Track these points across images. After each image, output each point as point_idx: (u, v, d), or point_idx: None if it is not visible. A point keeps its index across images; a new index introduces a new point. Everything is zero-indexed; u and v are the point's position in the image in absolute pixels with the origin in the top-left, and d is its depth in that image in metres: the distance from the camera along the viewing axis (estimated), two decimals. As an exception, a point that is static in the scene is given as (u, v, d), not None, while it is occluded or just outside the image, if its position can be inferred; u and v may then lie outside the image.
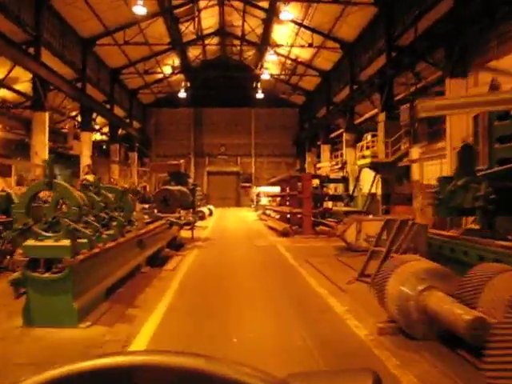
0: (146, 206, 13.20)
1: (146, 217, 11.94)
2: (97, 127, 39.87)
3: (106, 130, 38.76)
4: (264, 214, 24.88)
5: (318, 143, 40.31)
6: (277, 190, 36.47)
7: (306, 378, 0.73)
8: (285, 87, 43.58)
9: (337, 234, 12.12)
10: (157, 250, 9.97)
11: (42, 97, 21.74)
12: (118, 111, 37.83)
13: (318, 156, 39.72)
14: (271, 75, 37.78)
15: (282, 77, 41.85)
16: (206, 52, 43.00)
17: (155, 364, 0.67)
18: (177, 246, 12.88)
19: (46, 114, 22.07)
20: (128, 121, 41.07)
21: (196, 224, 19.95)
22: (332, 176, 26.47)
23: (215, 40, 41.73)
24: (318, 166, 34.95)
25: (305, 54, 35.13)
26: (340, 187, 28.99)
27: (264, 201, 31.93)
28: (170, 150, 47.52)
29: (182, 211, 16.33)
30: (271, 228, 18.76)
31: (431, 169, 19.66)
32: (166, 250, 11.37)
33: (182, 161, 15.68)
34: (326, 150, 36.11)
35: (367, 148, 23.92)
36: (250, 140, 48.32)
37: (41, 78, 21.57)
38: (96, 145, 41.38)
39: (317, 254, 11.36)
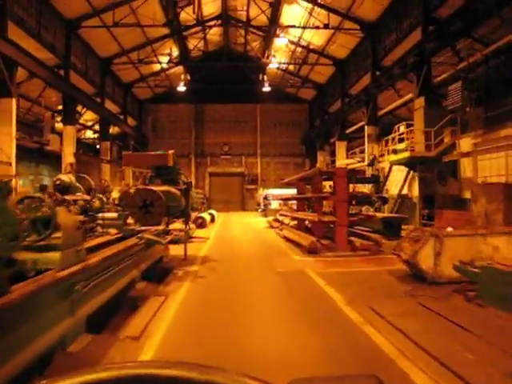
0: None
1: (112, 231, 7.79)
2: (88, 124, 35.96)
3: (98, 127, 34.75)
4: (276, 220, 20.61)
5: (332, 140, 36.08)
6: (289, 192, 32.26)
7: None
8: (293, 80, 39.34)
9: (403, 257, 7.83)
10: (116, 293, 5.73)
11: (7, 80, 17.62)
12: (111, 106, 33.73)
13: (332, 155, 35.48)
14: (279, 64, 33.56)
15: (291, 68, 37.64)
16: (208, 42, 38.83)
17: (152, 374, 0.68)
18: (160, 273, 8.66)
19: (13, 101, 17.94)
20: (122, 117, 36.98)
21: (193, 235, 15.74)
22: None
23: (217, 30, 37.59)
24: (338, 165, 30.60)
25: (317, 40, 30.93)
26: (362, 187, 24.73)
27: (274, 205, 27.68)
28: (168, 149, 43.09)
29: (175, 221, 12.16)
30: (289, 240, 14.51)
31: (488, 164, 15.36)
32: (139, 285, 7.13)
33: (170, 151, 10.96)
34: (341, 147, 31.87)
35: (400, 141, 19.64)
36: (256, 138, 44.12)
37: (6, 57, 17.43)
38: (87, 143, 37.45)
39: (377, 291, 7.10)
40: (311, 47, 32.14)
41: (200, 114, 44.03)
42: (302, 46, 32.52)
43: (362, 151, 29.28)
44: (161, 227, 9.28)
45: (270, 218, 21.60)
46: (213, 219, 24.56)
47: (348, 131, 32.40)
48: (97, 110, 29.70)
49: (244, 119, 44.21)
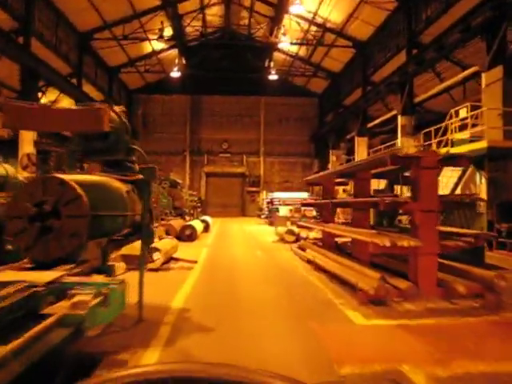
0: None
1: None
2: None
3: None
4: (291, 232, 15.22)
5: (348, 137, 30.82)
6: (297, 195, 26.94)
7: None
8: (304, 69, 34.06)
9: None
10: None
11: None
12: (92, 92, 28.43)
13: (349, 153, 30.19)
14: (291, 44, 28.18)
15: (302, 53, 32.37)
16: (206, 23, 33.55)
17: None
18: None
19: None
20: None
21: (175, 256, 10.42)
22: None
23: (218, 9, 32.37)
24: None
25: (336, 16, 25.69)
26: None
27: (283, 211, 22.28)
28: (160, 145, 38.02)
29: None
30: (320, 269, 9.16)
31: None
32: None
33: (104, 106, 5.10)
34: (362, 143, 26.58)
35: (460, 129, 14.37)
36: (259, 135, 38.82)
37: None
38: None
39: None
40: (328, 25, 26.91)
41: (197, 107, 38.71)
42: (317, 24, 27.30)
43: (389, 148, 24.02)
44: (76, 269, 3.92)
45: (281, 229, 16.26)
46: (207, 228, 19.22)
47: (370, 125, 27.15)
48: (70, 92, 24.35)
49: (246, 113, 38.93)
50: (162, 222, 15.65)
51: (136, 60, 32.48)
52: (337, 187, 20.81)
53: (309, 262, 10.40)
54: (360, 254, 8.96)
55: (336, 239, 11.23)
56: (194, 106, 38.60)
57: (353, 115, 27.81)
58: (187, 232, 15.08)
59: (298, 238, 14.90)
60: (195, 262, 10.13)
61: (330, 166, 33.13)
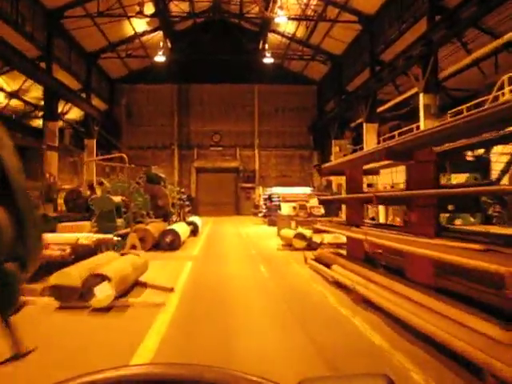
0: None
1: None
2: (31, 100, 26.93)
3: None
4: (301, 237, 11.78)
5: (353, 125, 27.49)
6: (300, 191, 23.61)
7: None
8: (302, 52, 30.59)
9: None
10: None
11: None
12: (67, 79, 24.87)
13: (356, 142, 26.88)
14: (288, 19, 24.67)
15: (300, 33, 28.91)
16: (194, 2, 29.95)
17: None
18: None
19: None
20: (84, 95, 28.09)
21: (144, 282, 6.99)
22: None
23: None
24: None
25: (340, -14, 22.31)
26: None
27: (286, 209, 18.79)
28: (146, 139, 34.52)
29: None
30: (368, 302, 5.81)
31: None
32: None
33: None
34: (370, 130, 23.21)
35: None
36: (253, 126, 35.33)
37: None
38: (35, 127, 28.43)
39: None
40: (331, -2, 23.51)
41: (185, 96, 35.14)
42: (318, -3, 23.89)
43: (403, 134, 20.72)
44: None
45: (286, 232, 12.84)
46: (195, 231, 15.80)
47: (380, 110, 23.80)
48: (36, 75, 20.77)
49: (239, 103, 35.40)
50: (137, 227, 12.23)
51: (117, 44, 28.84)
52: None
53: (339, 284, 7.02)
54: (418, 274, 5.68)
55: (366, 247, 7.90)
56: (181, 95, 35.04)
57: (359, 100, 24.39)
58: (168, 239, 11.65)
59: (309, 244, 11.54)
60: (171, 289, 6.70)
61: (332, 157, 29.78)
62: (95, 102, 30.58)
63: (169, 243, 11.53)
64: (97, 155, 29.21)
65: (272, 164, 35.39)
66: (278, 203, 22.85)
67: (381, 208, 20.30)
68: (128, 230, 11.05)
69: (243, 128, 35.18)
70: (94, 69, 29.44)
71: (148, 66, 34.11)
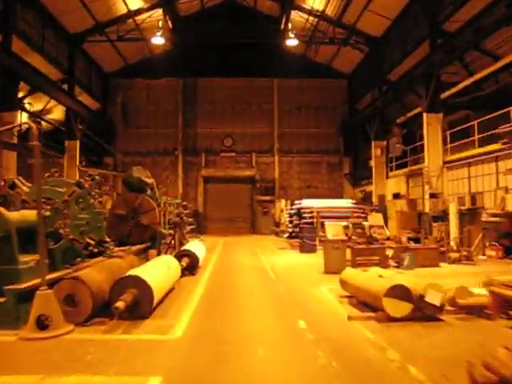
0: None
1: None
2: None
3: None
4: (403, 293, 5.55)
5: (400, 120, 21.32)
6: (341, 204, 17.52)
7: None
8: (332, 33, 24.54)
9: None
10: None
11: None
12: (39, 62, 19.28)
13: (408, 142, 20.66)
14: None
15: (330, 11, 22.92)
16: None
17: None
18: None
19: None
20: (66, 87, 22.42)
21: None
22: None
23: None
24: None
25: None
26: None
27: (332, 230, 12.38)
28: (145, 143, 28.72)
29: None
30: None
31: None
32: None
33: None
34: (433, 122, 17.03)
35: None
36: (272, 128, 29.25)
37: None
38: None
39: None
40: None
41: (191, 92, 29.24)
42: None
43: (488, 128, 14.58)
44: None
45: (358, 277, 6.66)
46: (194, 264, 9.63)
47: (445, 95, 17.59)
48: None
49: (255, 100, 29.40)
50: (70, 271, 6.17)
51: (106, 24, 23.14)
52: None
53: None
54: None
55: None
56: (187, 91, 29.15)
57: (415, 84, 18.22)
58: (127, 298, 5.46)
59: (420, 308, 5.31)
60: None
61: (372, 162, 23.58)
62: (84, 99, 24.91)
63: (129, 305, 5.39)
64: (81, 161, 23.37)
65: (294, 172, 29.19)
66: (311, 220, 16.63)
67: (453, 224, 14.03)
68: (43, 279, 4.99)
69: (260, 130, 29.13)
70: (79, 55, 23.80)
71: (147, 58, 28.56)
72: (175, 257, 9.72)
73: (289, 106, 29.36)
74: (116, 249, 9.62)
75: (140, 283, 5.83)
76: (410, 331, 5.10)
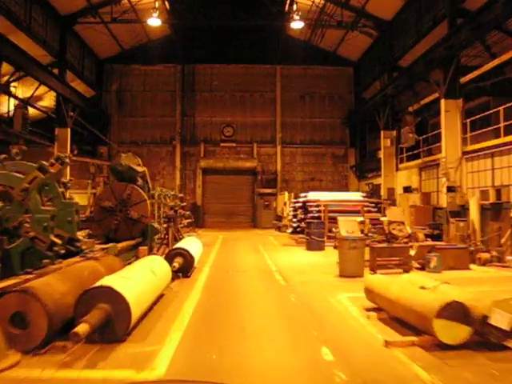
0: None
1: None
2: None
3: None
4: (462, 312, 4.22)
5: (412, 109, 19.89)
6: (351, 197, 16.15)
7: None
8: (339, 17, 23.02)
9: None
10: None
11: None
12: (27, 43, 17.85)
13: (418, 132, 19.22)
14: None
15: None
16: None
17: None
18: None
19: None
20: (56, 71, 20.97)
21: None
22: None
23: None
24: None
25: None
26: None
27: (346, 227, 10.95)
28: (141, 132, 27.28)
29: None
30: None
31: None
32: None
33: None
34: (452, 108, 15.58)
35: None
36: (275, 117, 27.78)
37: None
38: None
39: None
40: None
41: (190, 80, 27.75)
42: None
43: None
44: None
45: (390, 285, 5.33)
46: (186, 265, 8.24)
47: (465, 80, 16.13)
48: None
49: (257, 88, 27.91)
50: (28, 277, 4.81)
51: (99, 5, 21.65)
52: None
53: None
54: None
55: None
56: (185, 78, 27.66)
57: (433, 67, 16.75)
58: (93, 320, 4.08)
59: (485, 333, 3.88)
60: None
61: (381, 153, 22.16)
62: (77, 85, 23.47)
63: (95, 328, 4.03)
64: (72, 150, 21.94)
65: (298, 164, 27.76)
66: (318, 215, 15.25)
67: (476, 220, 12.62)
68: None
69: (262, 119, 27.68)
70: (70, 38, 22.33)
71: (144, 43, 27.04)
72: (167, 256, 8.36)
73: (292, 95, 27.87)
74: (97, 247, 8.30)
75: (113, 296, 4.45)
76: (476, 369, 3.72)
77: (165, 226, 12.56)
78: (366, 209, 15.69)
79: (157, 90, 27.59)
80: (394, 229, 10.09)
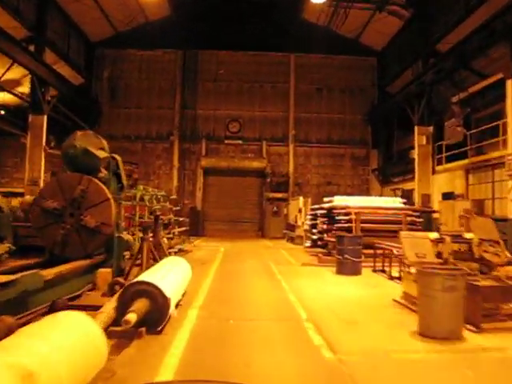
0: None
1: None
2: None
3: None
4: None
5: (456, 99, 16.27)
6: (392, 203, 12.49)
7: None
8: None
9: None
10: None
11: None
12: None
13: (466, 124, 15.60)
14: None
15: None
16: None
17: None
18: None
19: None
20: (33, 49, 17.54)
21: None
22: None
23: None
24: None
25: None
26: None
27: (413, 247, 7.26)
28: (135, 126, 23.81)
29: None
30: None
31: None
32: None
33: None
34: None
35: None
36: (287, 112, 24.17)
37: None
38: None
39: None
40: None
41: (192, 68, 24.23)
42: None
43: None
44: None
45: None
46: (156, 314, 4.62)
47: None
48: None
49: (267, 78, 24.35)
50: None
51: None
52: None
53: None
54: None
55: None
56: (187, 66, 24.16)
57: (490, 46, 13.15)
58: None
59: None
60: None
61: (414, 153, 18.50)
62: (61, 68, 20.03)
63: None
64: (49, 141, 18.48)
65: (312, 166, 24.13)
66: (347, 225, 11.62)
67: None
68: None
69: (273, 114, 24.12)
70: (52, 11, 18.91)
71: (141, 25, 23.59)
72: (121, 297, 4.72)
73: (308, 87, 24.28)
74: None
75: None
76: None
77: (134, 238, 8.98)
78: (408, 219, 12.05)
79: (154, 78, 24.09)
80: (485, 251, 6.44)
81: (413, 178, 19.47)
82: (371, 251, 10.21)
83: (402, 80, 21.13)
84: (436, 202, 17.20)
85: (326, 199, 13.14)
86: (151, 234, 8.04)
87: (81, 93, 22.30)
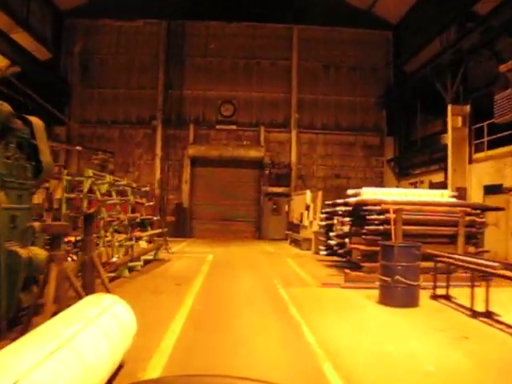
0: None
1: None
2: None
3: None
4: None
5: (505, 68, 12.67)
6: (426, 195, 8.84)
7: None
8: None
9: None
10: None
11: None
12: None
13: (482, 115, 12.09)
14: None
15: None
16: None
17: None
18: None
19: None
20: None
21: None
22: None
23: None
24: None
25: None
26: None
27: None
28: (111, 109, 20.31)
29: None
30: None
31: None
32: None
33: None
34: None
35: None
36: (289, 93, 20.71)
37: None
38: None
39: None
40: None
41: (178, 41, 20.62)
42: None
43: None
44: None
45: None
46: None
47: None
48: None
49: (267, 54, 20.85)
50: None
51: None
52: None
53: None
54: None
55: None
56: (172, 39, 20.55)
57: None
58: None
59: None
60: None
61: (447, 137, 15.07)
62: (20, 38, 16.42)
63: None
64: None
65: (318, 156, 20.69)
66: (383, 227, 8.19)
67: None
68: None
69: (272, 95, 20.63)
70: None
71: (118, -9, 20.01)
72: None
73: (313, 64, 20.80)
74: None
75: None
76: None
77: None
78: (467, 219, 8.63)
79: (134, 53, 20.52)
80: None
81: (439, 170, 16.28)
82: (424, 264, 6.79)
83: (425, 55, 17.63)
84: (474, 198, 13.82)
85: (349, 192, 9.63)
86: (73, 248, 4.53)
87: (46, 69, 18.77)
